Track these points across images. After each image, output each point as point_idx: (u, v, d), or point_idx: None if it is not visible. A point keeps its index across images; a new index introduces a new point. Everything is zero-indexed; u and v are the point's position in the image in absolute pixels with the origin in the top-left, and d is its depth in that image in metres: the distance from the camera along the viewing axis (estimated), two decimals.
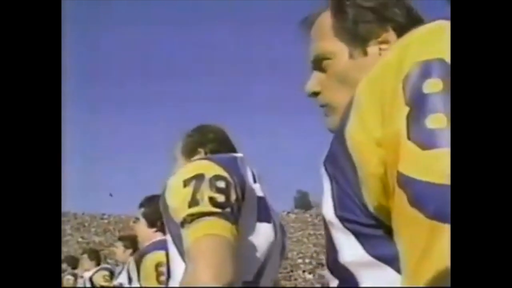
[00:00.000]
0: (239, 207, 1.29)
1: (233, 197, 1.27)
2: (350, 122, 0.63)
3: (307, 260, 30.64)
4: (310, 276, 29.10)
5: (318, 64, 0.94)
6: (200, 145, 1.58)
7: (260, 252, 1.37)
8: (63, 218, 37.71)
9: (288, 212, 39.35)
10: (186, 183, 1.26)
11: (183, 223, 1.23)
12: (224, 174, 1.29)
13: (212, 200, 1.23)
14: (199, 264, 1.14)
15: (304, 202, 48.66)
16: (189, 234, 1.21)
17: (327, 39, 0.92)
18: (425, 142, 0.52)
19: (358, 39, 0.89)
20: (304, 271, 29.07)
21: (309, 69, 0.96)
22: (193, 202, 1.22)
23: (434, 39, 0.58)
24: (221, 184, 1.26)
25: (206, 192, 1.23)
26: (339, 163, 0.64)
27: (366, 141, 0.59)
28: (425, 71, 0.55)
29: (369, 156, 0.58)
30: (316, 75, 0.95)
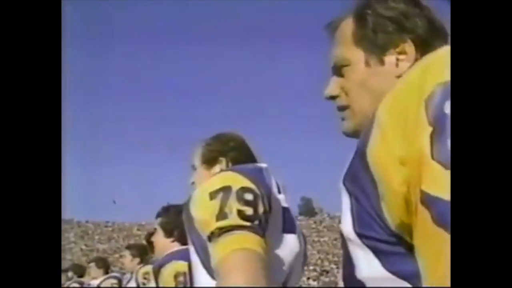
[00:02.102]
0: (266, 219, 1.26)
1: (261, 209, 1.23)
2: (372, 141, 0.63)
3: (311, 267, 30.54)
4: (314, 283, 28.98)
5: (337, 69, 0.95)
6: (221, 153, 1.56)
7: (286, 264, 1.36)
8: (66, 226, 37.83)
9: None
10: (212, 195, 1.24)
11: (211, 237, 1.20)
12: (251, 186, 1.27)
13: (240, 213, 1.20)
14: (232, 281, 1.11)
15: (308, 209, 48.57)
16: (218, 249, 1.18)
17: (346, 45, 0.93)
18: (449, 161, 0.53)
19: (376, 48, 0.89)
20: (308, 278, 28.96)
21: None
22: (221, 215, 1.20)
23: None
24: (249, 196, 1.24)
25: (234, 205, 1.21)
26: (360, 180, 0.65)
27: (389, 160, 0.59)
28: (447, 92, 0.56)
29: (392, 174, 0.59)
30: (335, 79, 0.96)
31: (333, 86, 0.96)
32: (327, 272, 30.89)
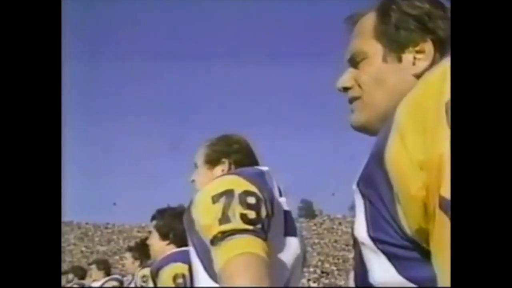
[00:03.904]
0: (269, 223, 1.26)
1: (263, 213, 1.24)
2: (390, 144, 0.62)
3: (311, 269, 30.54)
4: (314, 285, 28.98)
5: (353, 61, 0.95)
6: (225, 155, 1.55)
7: (288, 267, 1.36)
8: (66, 228, 37.82)
9: None
10: (215, 199, 1.23)
11: (214, 240, 1.19)
12: (254, 189, 1.26)
13: (243, 217, 1.19)
14: (236, 285, 1.10)
15: (308, 211, 48.67)
16: (221, 253, 1.17)
17: (365, 39, 0.93)
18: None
19: (395, 44, 0.89)
20: (308, 280, 28.95)
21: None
22: (224, 219, 1.19)
23: None
24: (252, 200, 1.23)
25: (237, 209, 1.20)
26: (375, 184, 0.64)
27: (408, 164, 0.58)
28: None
29: (411, 179, 0.58)
30: (350, 71, 0.96)
31: (347, 77, 0.96)
32: (327, 274, 30.88)
